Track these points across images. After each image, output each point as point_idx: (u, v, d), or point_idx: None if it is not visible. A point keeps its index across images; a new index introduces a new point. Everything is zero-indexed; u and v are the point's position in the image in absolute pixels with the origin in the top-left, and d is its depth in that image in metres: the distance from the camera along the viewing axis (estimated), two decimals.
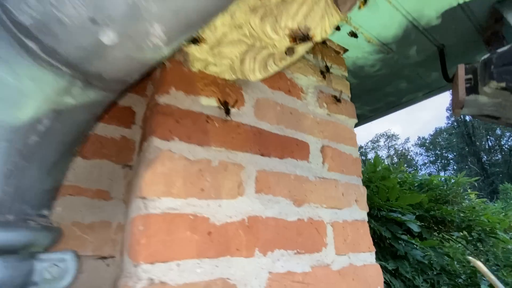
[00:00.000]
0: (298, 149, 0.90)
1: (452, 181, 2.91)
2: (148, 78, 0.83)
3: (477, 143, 27.88)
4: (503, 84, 0.92)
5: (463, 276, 2.51)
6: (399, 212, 2.43)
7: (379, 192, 2.45)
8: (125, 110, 0.85)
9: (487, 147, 28.16)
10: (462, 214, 2.57)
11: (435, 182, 2.93)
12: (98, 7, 0.30)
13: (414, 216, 2.45)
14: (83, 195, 0.74)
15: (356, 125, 1.24)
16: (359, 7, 0.55)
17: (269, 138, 0.84)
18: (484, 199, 3.31)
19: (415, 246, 2.35)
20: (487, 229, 2.48)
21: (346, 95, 1.17)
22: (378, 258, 0.97)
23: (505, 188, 8.34)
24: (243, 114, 0.81)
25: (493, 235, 2.36)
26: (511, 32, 1.12)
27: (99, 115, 0.54)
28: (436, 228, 2.70)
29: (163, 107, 0.65)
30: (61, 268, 0.45)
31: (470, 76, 1.04)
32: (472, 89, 1.03)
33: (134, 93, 0.86)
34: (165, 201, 0.58)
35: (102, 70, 0.39)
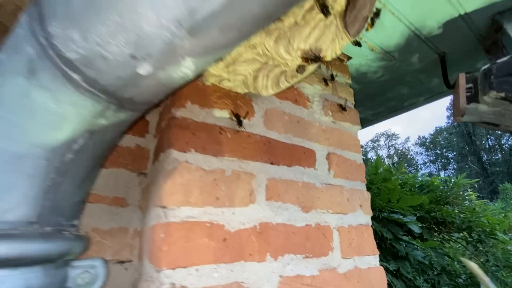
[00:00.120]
0: (305, 157, 0.94)
1: (453, 180, 2.95)
2: None
3: (477, 143, 27.91)
4: (503, 94, 0.96)
5: (463, 276, 2.55)
6: (400, 214, 2.47)
7: (381, 193, 2.48)
8: (139, 120, 0.89)
9: (487, 146, 28.19)
10: (462, 215, 2.61)
11: (435, 183, 2.97)
12: (138, 46, 0.34)
13: (415, 218, 2.48)
14: (102, 202, 0.78)
15: None
16: (367, 29, 0.59)
17: (278, 147, 0.88)
18: (484, 200, 3.35)
19: (416, 247, 2.39)
20: (487, 230, 2.52)
21: (350, 102, 1.21)
22: (379, 259, 1.00)
23: (505, 188, 8.38)
24: (253, 125, 0.84)
25: (493, 236, 2.40)
26: (510, 42, 1.15)
27: (125, 131, 0.58)
28: (436, 229, 2.74)
29: (180, 120, 0.69)
30: (92, 274, 0.49)
31: (470, 85, 1.08)
32: (473, 97, 1.07)
33: None
34: (184, 210, 0.62)
35: (135, 95, 0.43)
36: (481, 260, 2.67)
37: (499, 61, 1.01)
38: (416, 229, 2.39)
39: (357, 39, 1.23)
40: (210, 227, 0.64)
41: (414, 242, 2.41)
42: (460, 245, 2.79)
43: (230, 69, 0.64)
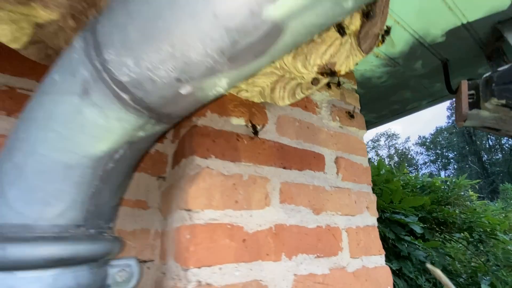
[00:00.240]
0: (315, 161, 0.99)
1: (454, 180, 2.99)
2: None
3: (478, 142, 27.95)
4: (503, 101, 1.01)
5: (464, 276, 2.60)
6: (402, 214, 2.51)
7: (383, 194, 2.53)
8: None
9: (487, 146, 28.23)
10: (463, 216, 2.66)
11: (437, 184, 3.01)
12: (184, 71, 0.39)
13: (417, 218, 2.53)
14: (125, 205, 0.83)
15: None
16: (378, 46, 0.63)
17: (290, 152, 0.93)
18: (485, 201, 3.39)
19: (417, 247, 2.44)
20: (488, 230, 2.57)
21: (356, 107, 1.25)
22: None
23: (505, 188, 8.42)
24: (267, 131, 0.89)
25: (493, 236, 2.45)
26: (511, 50, 1.20)
27: (157, 140, 0.63)
28: (438, 229, 2.79)
29: (201, 128, 0.74)
30: (128, 272, 0.54)
31: (472, 91, 1.12)
32: (475, 104, 1.12)
33: None
34: (207, 212, 0.66)
35: (172, 111, 0.47)
36: (482, 259, 2.72)
37: (500, 69, 1.05)
38: (418, 229, 2.43)
39: None
40: (230, 228, 0.69)
41: (416, 242, 2.46)
42: (461, 245, 2.84)
43: (249, 81, 0.69)
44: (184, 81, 0.40)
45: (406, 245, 2.40)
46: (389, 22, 1.15)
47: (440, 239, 2.78)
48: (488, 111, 1.08)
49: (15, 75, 0.78)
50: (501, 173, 25.10)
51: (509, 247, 2.48)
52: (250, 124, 0.81)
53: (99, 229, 0.52)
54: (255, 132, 0.79)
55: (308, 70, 0.61)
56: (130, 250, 0.79)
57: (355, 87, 1.32)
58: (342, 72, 0.62)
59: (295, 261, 0.78)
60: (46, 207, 0.44)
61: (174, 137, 0.93)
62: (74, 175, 0.46)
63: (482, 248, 2.58)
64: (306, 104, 1.06)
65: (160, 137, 0.87)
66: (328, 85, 1.17)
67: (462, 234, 2.69)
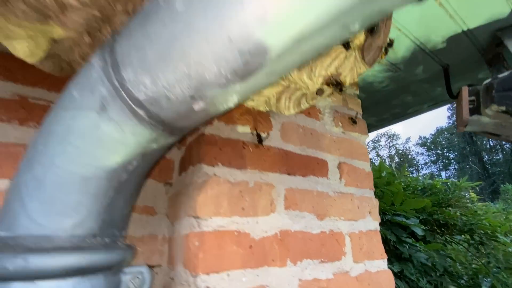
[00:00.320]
0: (319, 167, 1.00)
1: (454, 182, 3.01)
2: None
3: (478, 143, 27.94)
4: (503, 108, 1.02)
5: (465, 277, 2.61)
6: (403, 216, 2.53)
7: (384, 196, 2.54)
8: None
9: (488, 146, 28.22)
10: (464, 218, 2.67)
11: (438, 186, 3.03)
12: (198, 89, 0.41)
13: (418, 220, 2.54)
14: (134, 211, 0.84)
15: None
16: (381, 57, 0.65)
17: (294, 158, 0.94)
18: (486, 203, 3.40)
19: (419, 249, 2.45)
20: (489, 232, 2.58)
21: (359, 113, 1.27)
22: None
23: (506, 189, 8.43)
24: (272, 138, 0.91)
25: (494, 238, 2.46)
26: (511, 56, 1.21)
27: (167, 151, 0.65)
28: (439, 231, 2.80)
29: (209, 137, 0.76)
30: (140, 279, 0.55)
31: (473, 98, 1.14)
32: (475, 110, 1.13)
33: None
34: (215, 220, 0.68)
35: (185, 125, 0.49)
36: (483, 261, 2.73)
37: (500, 76, 1.07)
38: (419, 231, 2.45)
39: None
40: (237, 235, 0.71)
41: (417, 244, 2.47)
42: (462, 247, 2.85)
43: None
44: (197, 98, 0.42)
45: (407, 247, 2.41)
46: (391, 30, 1.16)
47: (441, 241, 2.79)
48: (488, 117, 1.10)
49: (27, 85, 0.80)
50: (502, 174, 25.09)
51: (509, 249, 2.50)
52: (255, 133, 0.83)
53: (113, 237, 0.54)
54: (260, 141, 0.81)
55: (313, 81, 0.63)
56: (139, 256, 0.81)
57: (357, 92, 1.33)
58: (347, 84, 0.63)
59: (300, 266, 0.80)
60: (64, 218, 0.46)
61: (181, 144, 0.95)
62: (91, 186, 0.48)
63: (483, 250, 2.60)
64: (309, 110, 1.08)
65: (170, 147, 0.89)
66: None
67: (463, 236, 2.71)
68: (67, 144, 0.46)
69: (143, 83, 0.40)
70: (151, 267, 0.83)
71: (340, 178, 1.06)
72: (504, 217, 3.06)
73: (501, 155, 27.43)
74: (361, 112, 1.29)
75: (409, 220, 2.50)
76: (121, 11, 0.51)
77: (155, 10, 0.38)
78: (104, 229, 0.51)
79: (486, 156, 27.77)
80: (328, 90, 0.67)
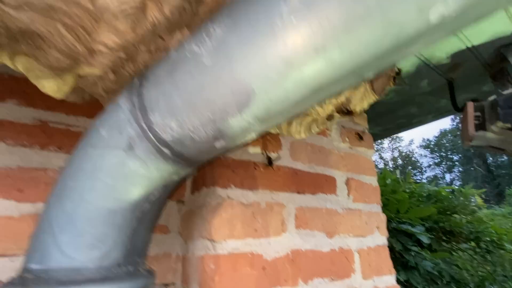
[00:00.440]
0: (327, 184, 1.02)
1: (460, 189, 3.01)
2: None
3: None
4: (509, 125, 1.04)
5: (471, 285, 2.60)
6: (409, 224, 2.53)
7: (389, 204, 2.55)
8: None
9: None
10: (470, 225, 2.67)
11: (443, 193, 3.03)
12: (221, 131, 0.43)
13: (424, 228, 2.54)
14: None
15: None
16: (390, 86, 0.68)
17: (303, 176, 0.97)
18: (492, 210, 3.39)
19: (425, 257, 2.45)
20: (495, 239, 2.58)
21: (365, 128, 1.29)
22: None
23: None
24: (281, 158, 0.93)
25: (501, 247, 2.45)
26: None
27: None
28: (445, 238, 2.80)
29: (222, 160, 0.78)
30: None
31: (478, 113, 1.16)
32: (481, 125, 1.15)
33: None
34: (229, 242, 0.71)
35: (205, 159, 0.52)
36: (488, 268, 2.72)
37: (505, 92, 1.09)
38: (425, 239, 2.45)
39: None
40: (251, 257, 0.73)
41: (423, 253, 2.47)
42: (468, 254, 2.84)
43: None
44: (220, 138, 0.45)
45: (413, 255, 2.41)
46: None
47: (447, 249, 2.78)
48: (493, 133, 1.12)
49: (47, 110, 0.83)
50: (507, 176, 24.86)
51: None
52: (265, 155, 0.85)
53: (135, 264, 0.56)
54: (270, 163, 0.83)
55: (324, 109, 0.66)
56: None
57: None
58: (357, 112, 0.66)
59: (311, 285, 0.82)
60: (92, 250, 0.49)
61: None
62: (116, 218, 0.51)
63: (489, 259, 2.59)
64: None
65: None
66: None
67: (469, 243, 2.70)
68: (96, 180, 0.48)
69: (170, 126, 0.43)
70: (165, 285, 0.86)
71: (348, 194, 1.07)
72: (510, 225, 3.05)
73: (505, 157, 27.20)
74: (367, 127, 1.31)
75: (415, 228, 2.50)
76: (144, 51, 0.54)
77: (182, 61, 0.41)
78: (127, 258, 0.54)
79: (491, 159, 27.55)
80: (338, 116, 0.70)
